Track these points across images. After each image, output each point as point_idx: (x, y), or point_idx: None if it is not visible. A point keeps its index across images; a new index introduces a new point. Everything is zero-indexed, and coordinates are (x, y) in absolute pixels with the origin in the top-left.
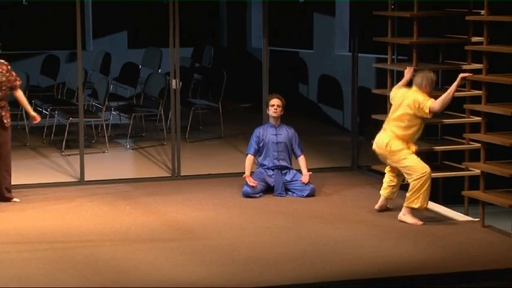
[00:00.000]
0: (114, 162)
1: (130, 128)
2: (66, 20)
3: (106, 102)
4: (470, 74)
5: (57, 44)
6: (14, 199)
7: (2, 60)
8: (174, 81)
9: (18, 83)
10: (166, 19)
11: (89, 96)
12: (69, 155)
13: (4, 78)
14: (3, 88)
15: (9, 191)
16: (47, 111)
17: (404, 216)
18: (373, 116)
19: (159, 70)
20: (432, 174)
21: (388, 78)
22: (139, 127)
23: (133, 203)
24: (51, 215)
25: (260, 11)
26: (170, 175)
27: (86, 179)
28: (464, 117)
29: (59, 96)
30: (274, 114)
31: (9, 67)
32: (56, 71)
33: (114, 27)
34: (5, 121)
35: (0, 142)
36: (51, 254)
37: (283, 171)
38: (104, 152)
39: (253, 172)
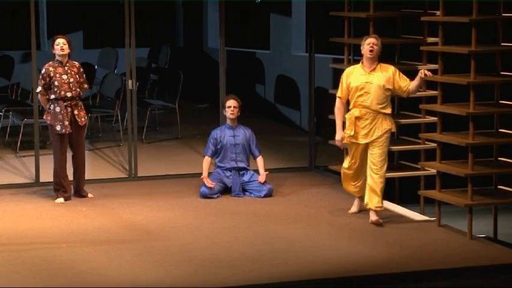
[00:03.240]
0: (70, 163)
1: (86, 128)
2: (21, 20)
3: None
4: (431, 74)
5: (12, 44)
6: (89, 195)
7: (75, 62)
8: (130, 82)
9: (86, 86)
10: (122, 19)
11: None
12: (24, 156)
13: (72, 79)
14: (73, 89)
15: (83, 189)
16: (1, 112)
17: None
18: (330, 117)
19: (115, 70)
20: (388, 174)
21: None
22: (95, 128)
23: (90, 204)
24: (6, 217)
25: (217, 11)
26: (127, 176)
27: (41, 180)
28: (420, 117)
29: (14, 97)
30: (231, 116)
31: (81, 69)
32: (10, 72)
33: (70, 27)
34: (79, 120)
35: (74, 142)
36: (6, 256)
37: (241, 172)
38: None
39: (210, 173)
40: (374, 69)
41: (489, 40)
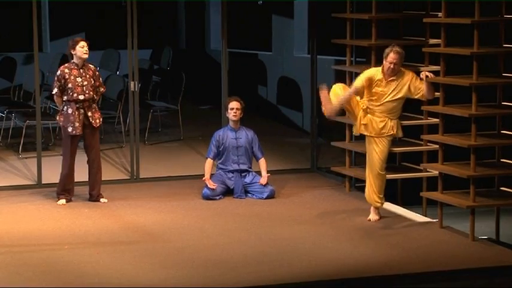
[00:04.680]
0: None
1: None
2: (23, 22)
3: None
4: (432, 75)
5: (14, 46)
6: (102, 200)
7: (91, 66)
8: (132, 84)
9: (102, 89)
10: (124, 20)
11: (46, 98)
12: (26, 158)
13: (86, 82)
14: (87, 92)
15: (98, 193)
16: (4, 113)
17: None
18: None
19: (118, 72)
20: (391, 175)
21: (347, 80)
22: None
23: (92, 205)
24: (8, 219)
25: (219, 13)
26: (129, 178)
27: (43, 182)
28: (422, 119)
29: (16, 99)
30: (234, 118)
31: (97, 73)
32: (13, 73)
33: (72, 28)
34: (93, 121)
35: (88, 144)
36: (9, 257)
37: (243, 174)
38: (61, 155)
39: (213, 174)
40: (392, 80)
41: (491, 41)
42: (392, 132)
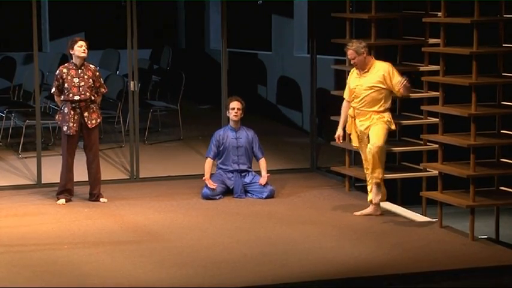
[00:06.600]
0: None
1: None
2: (23, 21)
3: None
4: (408, 84)
5: (14, 46)
6: (101, 199)
7: (91, 66)
8: (132, 83)
9: (103, 90)
10: (124, 20)
11: (46, 98)
12: (26, 158)
13: (83, 83)
14: (83, 93)
15: (98, 193)
16: (3, 113)
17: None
18: (332, 118)
19: (117, 72)
20: (390, 175)
21: (346, 80)
22: None
23: (92, 205)
24: (7, 218)
25: (218, 13)
26: (129, 177)
27: (43, 182)
28: (421, 119)
29: (16, 98)
30: (234, 118)
31: (97, 73)
32: (12, 73)
33: (72, 28)
34: (88, 122)
35: (86, 144)
36: (8, 257)
37: (243, 174)
38: (61, 155)
39: (212, 174)
40: (366, 71)
41: (491, 41)
42: (382, 119)
